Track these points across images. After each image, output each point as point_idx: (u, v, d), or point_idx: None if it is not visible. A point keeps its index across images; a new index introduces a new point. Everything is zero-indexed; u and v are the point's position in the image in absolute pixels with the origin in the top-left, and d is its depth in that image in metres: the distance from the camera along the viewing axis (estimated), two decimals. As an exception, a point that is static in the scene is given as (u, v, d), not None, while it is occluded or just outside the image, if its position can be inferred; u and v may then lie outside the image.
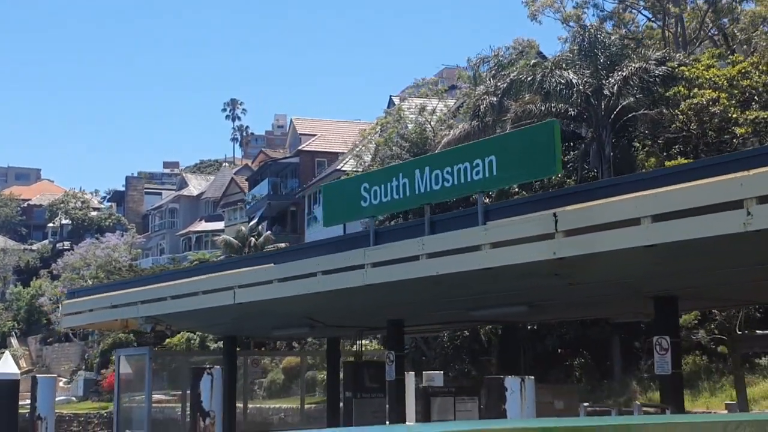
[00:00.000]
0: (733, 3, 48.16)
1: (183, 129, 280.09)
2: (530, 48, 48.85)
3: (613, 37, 40.10)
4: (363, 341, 33.39)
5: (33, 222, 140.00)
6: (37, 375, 22.02)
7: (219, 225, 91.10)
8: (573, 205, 11.81)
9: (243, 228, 66.92)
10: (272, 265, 16.95)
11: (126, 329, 24.09)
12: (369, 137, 48.51)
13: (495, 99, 40.61)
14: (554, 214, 11.67)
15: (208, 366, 17.32)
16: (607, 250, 11.20)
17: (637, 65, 36.97)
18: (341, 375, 23.76)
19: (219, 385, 16.57)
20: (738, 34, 48.10)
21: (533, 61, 41.74)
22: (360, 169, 50.68)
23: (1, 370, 23.61)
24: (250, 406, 35.16)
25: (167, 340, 71.49)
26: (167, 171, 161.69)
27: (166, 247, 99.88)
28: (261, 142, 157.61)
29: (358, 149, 50.71)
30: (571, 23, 49.22)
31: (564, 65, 38.08)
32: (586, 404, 29.56)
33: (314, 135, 74.70)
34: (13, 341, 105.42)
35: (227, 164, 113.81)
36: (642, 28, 49.81)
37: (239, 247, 63.85)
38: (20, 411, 24.40)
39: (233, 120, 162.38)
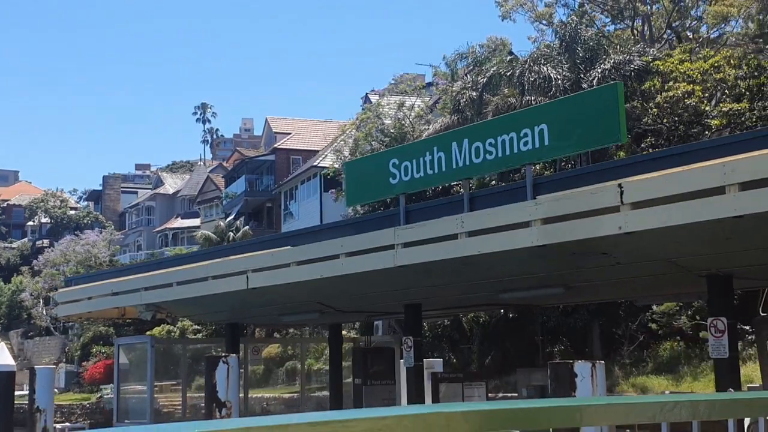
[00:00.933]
0: (698, 2, 47.06)
1: (154, 132, 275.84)
2: (503, 46, 47.41)
3: (590, 32, 38.71)
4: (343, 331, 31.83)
5: (12, 221, 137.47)
6: (36, 366, 20.10)
7: (195, 222, 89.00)
8: (637, 176, 10.22)
9: (221, 223, 64.86)
10: (289, 247, 15.25)
11: (123, 317, 22.23)
12: (348, 132, 46.74)
13: (475, 94, 39.15)
14: (619, 185, 10.11)
15: (223, 354, 15.58)
16: (683, 222, 9.61)
17: (618, 58, 35.64)
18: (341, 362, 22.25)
19: (235, 374, 14.87)
20: (702, 33, 47.04)
21: (509, 57, 40.31)
22: (338, 165, 48.99)
23: (-3, 362, 21.78)
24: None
25: (147, 333, 69.47)
26: (139, 173, 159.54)
27: (143, 244, 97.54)
28: (229, 144, 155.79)
29: (337, 144, 48.96)
30: (543, 22, 47.86)
31: (543, 60, 36.65)
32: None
33: (289, 133, 72.80)
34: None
35: (201, 163, 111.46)
36: (610, 28, 48.46)
37: (218, 241, 61.91)
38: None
39: (204, 123, 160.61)
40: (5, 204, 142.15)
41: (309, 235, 15.65)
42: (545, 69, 36.06)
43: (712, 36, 45.71)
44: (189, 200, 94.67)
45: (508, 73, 38.58)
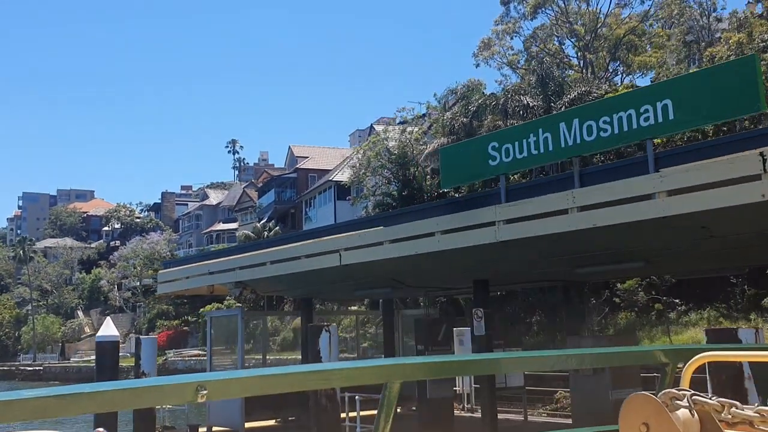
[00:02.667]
0: (629, 55, 44.57)
1: (193, 159, 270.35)
2: (479, 85, 44.56)
3: (556, 72, 36.20)
4: (352, 306, 28.92)
5: (90, 228, 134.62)
6: (141, 336, 17.02)
7: (233, 225, 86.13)
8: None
9: (258, 225, 61.92)
10: (382, 228, 12.43)
11: (211, 294, 19.22)
12: (361, 153, 44.02)
13: (466, 120, 36.56)
14: (761, 153, 7.50)
15: (325, 323, 12.68)
16: None
17: (581, 89, 33.13)
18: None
19: (336, 342, 12.00)
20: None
21: (489, 93, 37.83)
22: (348, 178, 46.20)
23: (105, 333, 18.75)
24: (269, 357, 30.53)
25: (201, 309, 66.17)
26: (183, 192, 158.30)
27: (193, 242, 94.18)
28: (251, 170, 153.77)
29: (353, 161, 46.12)
30: (509, 66, 45.31)
31: (522, 91, 34.12)
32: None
33: (307, 157, 70.30)
34: (80, 313, 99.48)
35: (237, 182, 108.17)
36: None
37: (255, 239, 59.00)
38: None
39: (233, 154, 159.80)
40: (85, 215, 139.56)
41: (397, 217, 12.82)
42: (524, 99, 33.56)
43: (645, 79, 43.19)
44: (228, 209, 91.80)
45: (492, 104, 36.08)
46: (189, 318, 71.01)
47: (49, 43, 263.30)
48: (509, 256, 11.47)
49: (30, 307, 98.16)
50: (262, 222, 65.37)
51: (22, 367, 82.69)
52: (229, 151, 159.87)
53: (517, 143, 10.09)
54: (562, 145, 9.61)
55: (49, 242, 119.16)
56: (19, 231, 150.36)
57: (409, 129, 42.63)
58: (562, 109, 33.31)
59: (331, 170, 63.28)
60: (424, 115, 44.39)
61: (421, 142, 42.22)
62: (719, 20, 37.83)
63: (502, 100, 33.75)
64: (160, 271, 18.87)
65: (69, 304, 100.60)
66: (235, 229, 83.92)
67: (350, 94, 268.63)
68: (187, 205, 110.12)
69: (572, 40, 43.92)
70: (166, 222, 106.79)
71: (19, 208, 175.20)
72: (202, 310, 65.25)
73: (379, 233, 12.38)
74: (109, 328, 19.15)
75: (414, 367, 3.21)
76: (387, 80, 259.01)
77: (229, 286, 17.69)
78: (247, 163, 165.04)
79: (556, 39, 44.25)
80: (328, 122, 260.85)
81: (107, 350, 18.93)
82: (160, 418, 17.61)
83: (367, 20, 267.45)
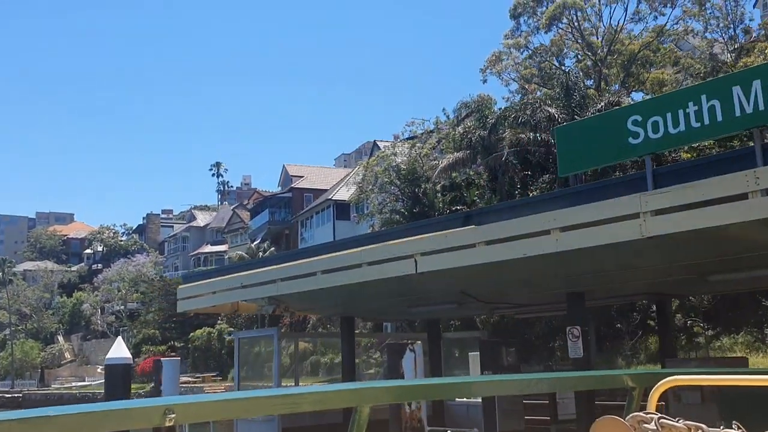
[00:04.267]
0: (642, 71, 43.17)
1: (174, 183, 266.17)
2: (488, 100, 42.88)
3: (580, 84, 34.59)
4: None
5: (71, 251, 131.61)
6: (162, 359, 14.80)
7: (222, 248, 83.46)
8: None
9: (252, 246, 59.52)
10: (473, 227, 10.37)
11: (236, 312, 17.05)
12: (367, 169, 42.06)
13: (484, 132, 34.80)
14: None
15: (409, 342, 10.55)
16: None
17: (605, 101, 31.51)
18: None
19: (422, 362, 9.94)
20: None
21: (502, 106, 36.26)
22: (349, 196, 44.13)
23: (116, 355, 16.53)
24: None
25: (191, 334, 63.52)
26: (164, 216, 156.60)
27: (179, 265, 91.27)
28: (233, 194, 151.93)
29: (357, 178, 44.12)
30: (513, 84, 43.80)
31: (549, 102, 32.46)
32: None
33: (302, 176, 68.12)
34: (60, 338, 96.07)
35: (225, 203, 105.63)
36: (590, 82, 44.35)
37: (250, 260, 56.67)
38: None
39: (218, 177, 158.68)
40: (65, 238, 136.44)
41: (494, 213, 10.70)
42: (550, 109, 31.89)
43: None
44: (216, 231, 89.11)
45: (512, 116, 34.37)
46: (176, 343, 68.18)
47: (28, 59, 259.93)
48: (646, 256, 9.43)
49: (8, 332, 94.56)
50: (255, 243, 63.01)
51: (0, 394, 79.10)
52: (213, 174, 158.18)
53: (669, 115, 8.16)
54: (737, 114, 7.71)
55: (28, 265, 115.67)
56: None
57: (418, 144, 40.76)
58: (588, 121, 31.71)
59: (328, 190, 61.26)
60: (432, 131, 42.58)
61: (431, 158, 40.37)
62: (747, 32, 36.60)
63: (528, 110, 32.00)
64: (180, 287, 16.65)
65: (49, 329, 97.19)
66: (224, 252, 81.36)
67: (337, 118, 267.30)
68: (172, 227, 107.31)
69: (587, 53, 42.50)
70: (150, 244, 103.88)
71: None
72: (192, 334, 62.62)
73: (470, 233, 10.33)
74: (120, 349, 16.88)
75: (382, 390, 3.26)
76: (375, 102, 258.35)
77: (261, 302, 15.52)
78: (231, 186, 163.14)
79: (571, 53, 42.82)
80: (314, 145, 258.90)
81: (118, 373, 16.67)
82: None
83: (359, 36, 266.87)
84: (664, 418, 2.22)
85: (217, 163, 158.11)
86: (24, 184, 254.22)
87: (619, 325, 31.06)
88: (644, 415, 2.24)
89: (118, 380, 16.53)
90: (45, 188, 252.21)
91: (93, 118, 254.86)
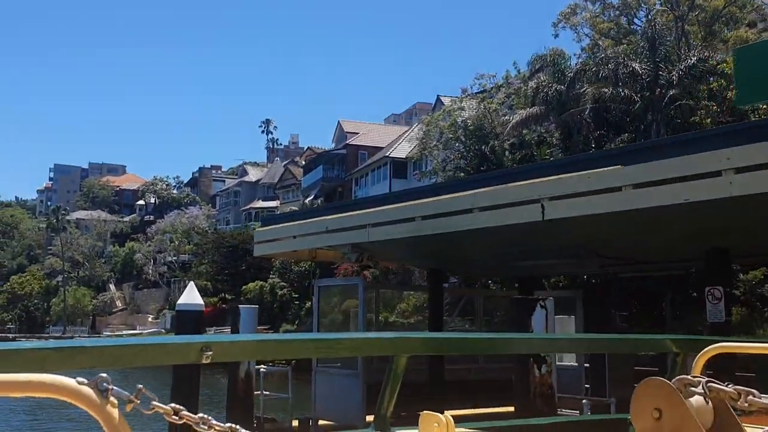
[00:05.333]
0: (724, 29, 40.35)
1: (221, 140, 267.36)
2: (562, 55, 40.76)
3: (666, 37, 32.32)
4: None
5: (123, 202, 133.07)
6: (241, 306, 13.76)
7: (273, 203, 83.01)
8: None
9: (306, 202, 58.69)
10: (619, 167, 8.91)
11: (314, 259, 15.91)
12: (432, 124, 40.43)
13: (561, 87, 32.92)
14: None
15: (540, 297, 9.20)
16: None
17: (701, 55, 29.33)
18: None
19: (553, 320, 8.59)
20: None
21: (597, 56, 34.11)
22: (424, 151, 42.61)
23: (188, 300, 15.58)
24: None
25: (243, 287, 63.25)
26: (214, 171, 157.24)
27: (230, 219, 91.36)
28: (281, 152, 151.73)
29: (421, 135, 42.51)
30: (585, 40, 41.44)
31: (633, 56, 30.41)
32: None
33: (357, 133, 66.83)
34: (112, 287, 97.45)
35: (278, 159, 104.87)
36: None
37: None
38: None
39: (267, 134, 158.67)
40: (118, 189, 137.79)
41: (643, 152, 9.20)
42: (634, 65, 29.86)
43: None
44: (268, 186, 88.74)
45: (592, 70, 32.42)
46: (227, 296, 68.13)
47: (85, 16, 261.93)
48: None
49: (60, 279, 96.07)
50: (309, 199, 62.17)
51: (52, 340, 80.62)
52: (262, 131, 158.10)
53: None
54: None
55: (81, 214, 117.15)
56: (49, 203, 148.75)
57: (487, 99, 38.98)
58: (674, 77, 29.55)
59: (384, 147, 59.85)
60: (501, 85, 40.69)
61: (500, 114, 38.61)
62: None
63: (610, 64, 30.02)
64: (257, 229, 15.59)
65: (101, 277, 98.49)
66: (275, 207, 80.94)
67: (387, 77, 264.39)
68: (224, 181, 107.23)
69: (667, 8, 39.94)
70: (202, 198, 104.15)
71: (50, 180, 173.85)
72: (244, 287, 62.34)
73: (615, 175, 8.87)
74: (192, 295, 15.90)
75: (420, 341, 3.23)
76: (432, 58, 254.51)
77: (344, 249, 14.30)
78: (280, 144, 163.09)
79: (650, 8, 40.29)
80: (364, 105, 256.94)
81: (190, 319, 15.76)
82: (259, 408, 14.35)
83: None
84: (713, 382, 2.10)
85: (266, 120, 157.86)
86: (77, 134, 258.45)
87: (695, 294, 29.23)
88: (691, 378, 2.14)
89: (190, 326, 15.61)
90: (98, 139, 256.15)
91: (146, 71, 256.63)
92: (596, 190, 9.17)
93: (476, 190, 10.75)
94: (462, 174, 37.46)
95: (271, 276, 60.50)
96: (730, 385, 2.10)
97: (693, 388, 2.11)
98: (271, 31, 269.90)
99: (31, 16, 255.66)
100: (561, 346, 4.84)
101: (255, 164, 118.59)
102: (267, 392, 14.34)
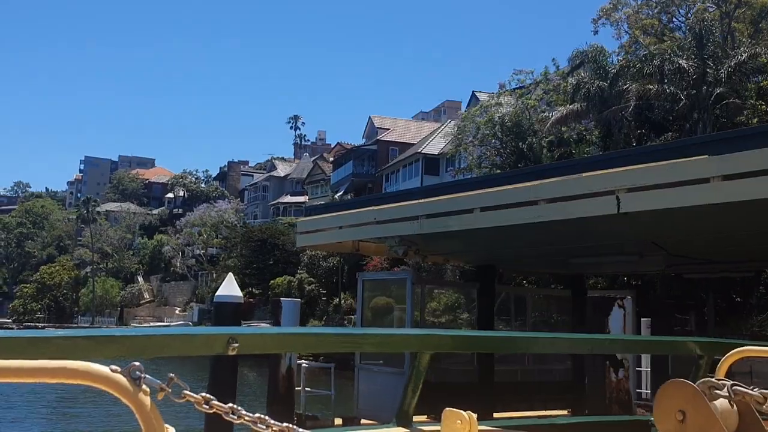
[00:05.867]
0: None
1: (248, 136, 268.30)
2: (602, 51, 39.79)
3: (716, 33, 31.30)
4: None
5: (152, 194, 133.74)
6: (282, 299, 13.22)
7: (301, 198, 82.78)
8: None
9: (336, 197, 58.26)
10: (707, 157, 8.21)
11: (357, 252, 15.33)
12: (469, 118, 39.72)
13: (605, 83, 32.05)
14: None
15: (618, 297, 8.53)
16: None
17: (746, 55, 28.34)
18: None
19: (631, 322, 7.94)
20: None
21: (643, 51, 33.19)
22: (458, 146, 41.94)
23: (226, 292, 15.08)
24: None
25: (271, 281, 63.01)
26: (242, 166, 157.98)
27: (258, 214, 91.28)
28: (308, 149, 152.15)
29: (455, 131, 41.80)
30: (625, 37, 40.44)
31: (680, 52, 29.47)
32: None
33: (388, 129, 66.25)
34: (140, 278, 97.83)
35: (307, 154, 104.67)
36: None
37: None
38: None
39: (295, 129, 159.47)
40: (147, 181, 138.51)
41: (738, 141, 8.47)
42: (681, 61, 28.94)
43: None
44: (296, 182, 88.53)
45: (636, 66, 31.54)
46: (254, 290, 67.97)
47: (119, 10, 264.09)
48: None
49: (90, 270, 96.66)
50: (338, 194, 61.78)
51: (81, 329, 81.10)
52: (290, 127, 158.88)
53: None
54: None
55: (110, 206, 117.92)
56: (79, 194, 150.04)
57: (525, 95, 38.17)
58: (723, 74, 28.60)
59: (415, 143, 59.26)
60: (539, 81, 39.86)
61: (539, 110, 37.82)
62: None
63: (655, 60, 29.13)
64: (300, 219, 15.06)
65: (129, 269, 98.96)
66: (303, 202, 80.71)
67: (415, 75, 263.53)
68: (252, 176, 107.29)
69: (714, 4, 38.84)
70: (230, 192, 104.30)
71: (80, 172, 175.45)
72: (272, 282, 62.09)
73: (703, 165, 8.17)
74: (231, 287, 15.40)
75: (445, 338, 3.30)
76: (452, 59, 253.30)
77: (391, 242, 13.69)
78: (307, 140, 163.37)
79: (695, 4, 39.22)
80: (391, 102, 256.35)
81: (228, 313, 15.25)
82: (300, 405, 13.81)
83: None
84: (738, 385, 2.04)
85: (295, 116, 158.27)
86: (108, 127, 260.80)
87: (738, 299, 28.29)
88: (716, 380, 2.08)
89: (228, 318, 15.14)
90: (128, 133, 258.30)
91: (176, 66, 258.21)
92: (680, 182, 8.46)
93: (541, 181, 10.08)
94: (498, 171, 36.75)
95: (299, 271, 60.23)
96: (756, 389, 2.07)
97: (717, 391, 2.10)
98: (300, 27, 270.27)
99: (64, 10, 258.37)
100: (591, 347, 4.64)
101: (283, 159, 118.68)
102: (309, 388, 13.79)
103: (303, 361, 13.85)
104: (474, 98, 48.44)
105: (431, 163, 52.87)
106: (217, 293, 15.63)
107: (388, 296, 14.66)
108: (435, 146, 52.83)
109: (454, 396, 12.66)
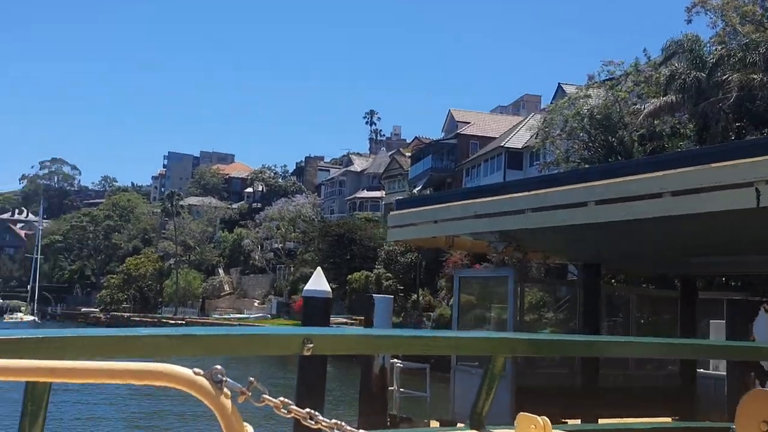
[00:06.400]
0: None
1: (323, 130, 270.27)
2: (697, 40, 37.79)
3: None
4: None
5: (231, 189, 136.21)
6: (374, 295, 12.72)
7: (378, 194, 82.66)
8: None
9: (415, 192, 57.67)
10: None
11: (450, 248, 14.68)
12: (557, 111, 38.41)
13: (702, 74, 30.38)
14: None
15: (764, 300, 7.63)
16: None
17: None
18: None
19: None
20: None
21: (744, 40, 31.33)
22: (539, 140, 40.77)
23: (315, 287, 14.66)
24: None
25: (348, 276, 62.99)
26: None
27: (335, 209, 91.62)
28: (384, 144, 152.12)
29: (543, 123, 40.50)
30: (720, 25, 38.30)
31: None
32: None
33: (468, 123, 65.20)
34: (220, 271, 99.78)
35: (384, 149, 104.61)
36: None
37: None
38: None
39: (371, 125, 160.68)
40: (227, 176, 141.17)
41: None
42: (790, 47, 27.10)
43: None
44: (373, 176, 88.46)
45: (738, 55, 29.74)
46: (332, 285, 68.11)
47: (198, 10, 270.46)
48: None
49: (173, 261, 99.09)
50: (417, 189, 61.17)
51: (164, 320, 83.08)
52: (366, 122, 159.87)
53: None
54: None
55: (192, 200, 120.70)
56: (162, 189, 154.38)
57: (616, 87, 36.64)
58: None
59: (497, 138, 58.07)
60: (629, 72, 38.18)
61: (630, 103, 36.26)
62: None
63: (761, 49, 27.36)
64: (392, 213, 14.50)
65: (210, 261, 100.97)
66: (380, 198, 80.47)
67: (491, 69, 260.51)
68: (328, 171, 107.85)
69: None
70: (307, 187, 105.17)
71: (164, 167, 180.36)
72: (349, 277, 62.07)
73: None
74: (320, 281, 14.98)
75: (521, 342, 3.24)
76: (531, 53, 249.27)
77: (491, 237, 12.97)
78: (383, 136, 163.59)
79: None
80: (467, 97, 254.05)
81: (317, 307, 14.84)
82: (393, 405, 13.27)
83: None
84: None
85: (371, 111, 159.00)
86: (189, 124, 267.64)
87: None
88: None
89: (317, 314, 14.73)
90: (208, 129, 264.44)
91: (254, 65, 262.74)
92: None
93: (666, 171, 9.18)
94: (587, 166, 35.41)
95: (376, 266, 59.96)
96: None
97: None
98: (375, 21, 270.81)
99: (148, 11, 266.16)
100: (662, 351, 4.50)
101: (358, 155, 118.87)
102: (402, 389, 13.24)
103: (397, 361, 13.27)
104: (560, 90, 46.98)
105: (514, 158, 51.66)
106: (306, 287, 15.23)
107: (485, 294, 13.94)
108: (518, 140, 51.58)
109: (555, 400, 11.91)
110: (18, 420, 1.89)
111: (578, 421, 10.76)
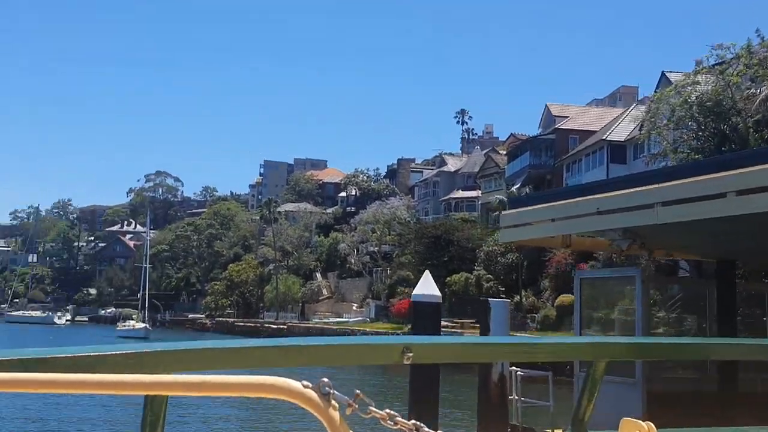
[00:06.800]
0: None
1: (413, 131, 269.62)
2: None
3: None
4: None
5: (325, 194, 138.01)
6: (491, 299, 12.08)
7: (474, 193, 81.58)
8: None
9: (514, 190, 56.49)
10: None
11: (568, 247, 13.90)
12: (663, 100, 36.63)
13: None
14: None
15: None
16: None
17: None
18: None
19: None
20: None
21: None
22: (645, 131, 39.03)
23: (424, 291, 14.23)
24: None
25: (447, 278, 62.37)
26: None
27: (429, 210, 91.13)
28: (476, 143, 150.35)
29: (648, 114, 38.76)
30: None
31: None
32: None
33: (566, 117, 63.41)
34: (318, 275, 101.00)
35: (478, 148, 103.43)
36: None
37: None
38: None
39: (462, 124, 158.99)
40: (321, 182, 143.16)
41: None
42: None
43: None
44: (467, 176, 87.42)
45: None
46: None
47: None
48: None
49: (272, 267, 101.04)
50: (515, 187, 59.91)
51: (267, 325, 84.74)
52: (457, 122, 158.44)
53: None
54: None
55: (288, 206, 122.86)
56: (260, 196, 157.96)
57: (728, 71, 34.53)
58: None
59: (597, 131, 56.17)
60: (740, 56, 35.94)
61: (742, 88, 34.13)
62: None
63: None
64: (503, 213, 13.89)
65: (308, 266, 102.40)
66: (476, 197, 79.41)
67: (583, 62, 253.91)
68: (421, 172, 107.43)
69: None
70: (400, 189, 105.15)
71: (260, 175, 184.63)
72: (448, 279, 61.42)
73: None
74: (428, 285, 14.53)
75: (621, 347, 3.21)
76: (623, 43, 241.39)
77: (613, 235, 12.14)
78: (475, 135, 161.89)
79: None
80: (560, 91, 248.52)
81: (427, 312, 14.41)
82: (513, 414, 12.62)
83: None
84: None
85: (462, 110, 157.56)
86: (283, 132, 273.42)
87: None
88: None
89: (427, 318, 14.29)
90: (300, 136, 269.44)
91: (339, 67, 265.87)
92: None
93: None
94: (699, 156, 33.54)
95: (476, 267, 59.06)
96: None
97: None
98: (465, 18, 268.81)
99: (240, 21, 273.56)
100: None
101: (451, 155, 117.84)
102: (524, 398, 12.59)
103: (517, 368, 12.63)
104: (664, 79, 44.84)
105: (617, 151, 49.77)
106: (414, 292, 14.83)
107: (609, 296, 13.10)
108: (620, 133, 49.66)
109: (690, 406, 11.00)
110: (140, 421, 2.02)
111: (711, 429, 9.90)
